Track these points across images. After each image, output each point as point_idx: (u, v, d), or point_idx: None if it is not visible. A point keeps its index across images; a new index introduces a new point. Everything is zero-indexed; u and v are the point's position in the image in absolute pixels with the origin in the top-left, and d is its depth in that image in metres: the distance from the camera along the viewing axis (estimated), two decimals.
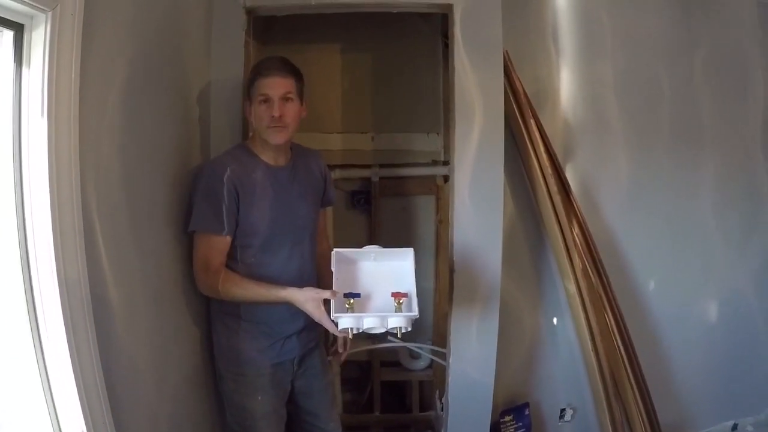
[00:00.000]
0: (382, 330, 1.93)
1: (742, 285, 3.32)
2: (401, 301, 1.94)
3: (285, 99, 2.08)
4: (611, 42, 3.02)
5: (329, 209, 2.88)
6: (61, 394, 1.45)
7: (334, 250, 2.05)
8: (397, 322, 1.90)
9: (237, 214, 2.08)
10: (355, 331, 1.91)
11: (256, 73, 2.12)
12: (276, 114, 2.06)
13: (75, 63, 1.39)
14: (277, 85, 2.08)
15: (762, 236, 3.30)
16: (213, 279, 2.07)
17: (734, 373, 3.35)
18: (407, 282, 2.01)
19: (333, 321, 1.92)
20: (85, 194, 1.47)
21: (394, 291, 1.97)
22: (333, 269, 2.00)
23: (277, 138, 2.12)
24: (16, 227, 1.37)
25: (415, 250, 2.01)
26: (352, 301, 1.94)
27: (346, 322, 1.90)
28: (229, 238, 2.09)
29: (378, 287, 2.02)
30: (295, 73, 2.14)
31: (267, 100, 2.07)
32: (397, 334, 1.92)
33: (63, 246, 1.39)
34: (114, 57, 1.68)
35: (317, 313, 1.97)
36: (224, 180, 2.05)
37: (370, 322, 1.90)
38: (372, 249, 2.10)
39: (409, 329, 1.93)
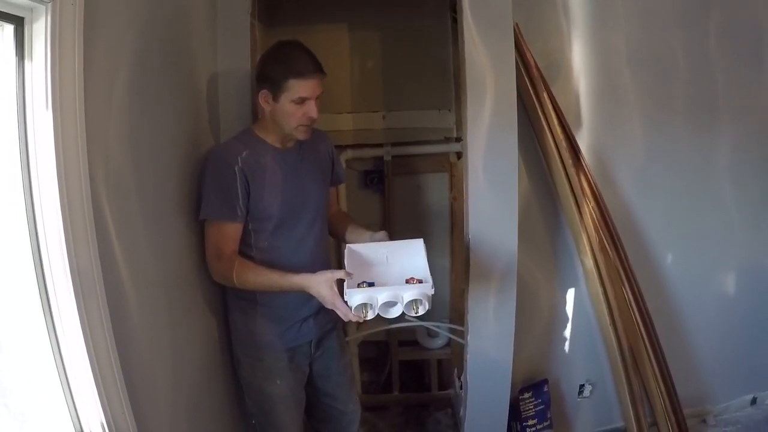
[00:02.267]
0: (399, 310, 1.87)
1: (759, 256, 3.29)
2: (416, 284, 1.92)
3: (317, 98, 2.08)
4: (623, 11, 2.95)
5: (341, 186, 2.88)
6: (79, 386, 1.46)
7: (347, 246, 2.08)
8: (414, 294, 1.85)
9: (248, 199, 2.07)
10: (370, 315, 1.87)
11: (289, 71, 2.01)
12: (316, 116, 2.07)
13: (78, 54, 1.37)
14: (317, 88, 2.05)
15: None
16: (226, 266, 2.07)
17: (753, 347, 3.34)
18: (420, 270, 1.99)
19: (345, 301, 1.88)
20: (94, 185, 1.46)
21: (408, 278, 1.96)
22: (345, 263, 2.00)
23: (306, 135, 2.14)
24: (26, 222, 1.36)
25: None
26: (365, 284, 1.93)
27: (358, 298, 1.85)
28: (240, 225, 2.09)
29: (392, 277, 2.02)
30: (323, 69, 2.10)
31: (303, 101, 2.04)
32: (414, 313, 1.87)
33: (74, 238, 1.38)
34: (118, 45, 1.66)
35: (330, 295, 1.93)
36: (233, 166, 2.04)
37: (385, 297, 1.85)
38: (382, 245, 2.11)
39: (428, 307, 1.88)
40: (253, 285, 2.08)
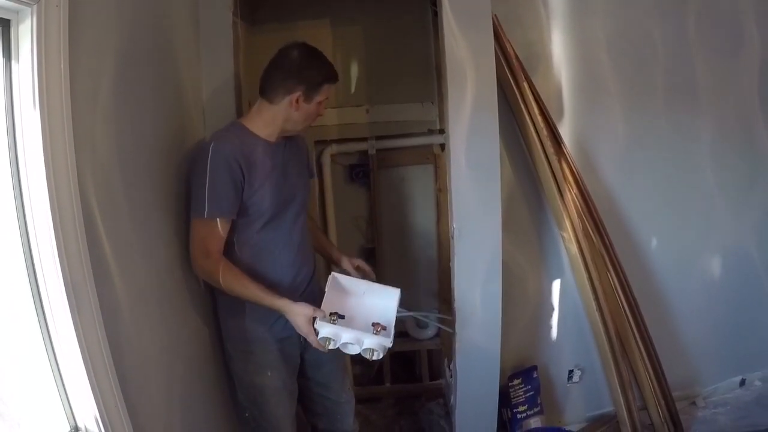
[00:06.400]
0: (357, 350, 2.04)
1: (743, 239, 3.34)
2: (379, 331, 2.08)
3: None
4: (602, 1, 2.99)
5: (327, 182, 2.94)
6: (73, 383, 1.47)
7: (332, 274, 2.26)
8: (372, 343, 2.03)
9: (242, 194, 2.07)
10: (331, 346, 2.02)
11: (327, 76, 2.18)
12: (323, 113, 2.28)
13: (63, 54, 1.39)
14: None
15: (762, 189, 3.31)
16: (213, 265, 2.07)
17: (740, 328, 3.39)
18: (389, 317, 2.18)
19: (315, 329, 2.03)
20: (82, 183, 1.48)
21: (375, 321, 2.12)
22: (326, 290, 2.19)
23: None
24: (17, 221, 1.38)
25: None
26: (336, 319, 2.05)
27: (326, 331, 2.02)
28: (230, 222, 2.09)
29: (361, 315, 2.18)
30: None
31: (321, 103, 2.20)
32: (369, 357, 2.03)
33: (64, 234, 1.40)
34: (102, 46, 1.67)
35: (306, 329, 2.05)
36: (235, 161, 2.03)
37: (347, 337, 2.02)
38: (363, 283, 2.32)
39: (380, 357, 2.04)
40: (236, 293, 2.11)
